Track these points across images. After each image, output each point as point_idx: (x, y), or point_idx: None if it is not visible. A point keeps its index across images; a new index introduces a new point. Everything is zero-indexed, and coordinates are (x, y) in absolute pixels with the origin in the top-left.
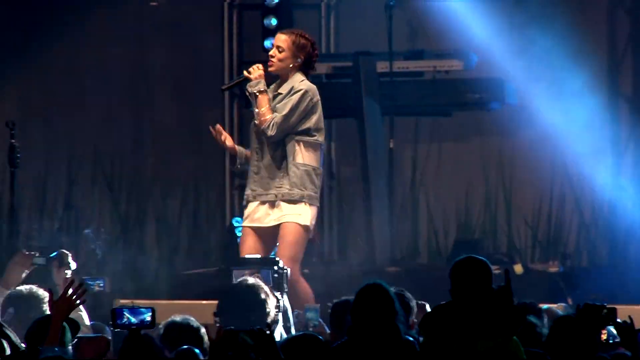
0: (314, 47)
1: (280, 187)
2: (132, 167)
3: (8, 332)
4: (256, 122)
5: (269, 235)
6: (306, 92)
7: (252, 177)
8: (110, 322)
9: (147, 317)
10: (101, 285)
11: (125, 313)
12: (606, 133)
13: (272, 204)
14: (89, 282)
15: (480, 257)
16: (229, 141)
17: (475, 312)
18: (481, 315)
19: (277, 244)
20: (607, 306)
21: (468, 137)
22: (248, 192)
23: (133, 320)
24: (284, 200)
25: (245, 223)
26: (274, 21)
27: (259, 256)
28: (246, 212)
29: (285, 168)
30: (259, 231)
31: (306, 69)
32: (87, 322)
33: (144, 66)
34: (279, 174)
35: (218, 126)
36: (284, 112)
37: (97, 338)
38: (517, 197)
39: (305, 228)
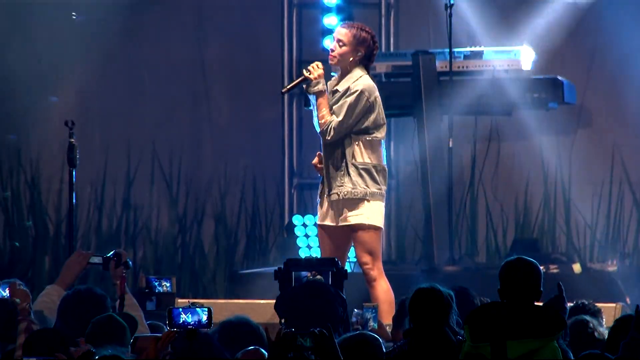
0: (374, 41)
1: (341, 186)
2: (190, 165)
3: None
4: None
5: (339, 235)
6: (362, 92)
7: (323, 174)
8: (167, 322)
9: (204, 317)
10: (168, 286)
11: (182, 313)
12: None
13: (337, 204)
14: (155, 283)
15: (529, 259)
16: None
17: (516, 313)
18: (521, 316)
19: (353, 247)
20: None
21: (527, 136)
22: (320, 188)
23: (190, 320)
24: (346, 200)
25: (318, 221)
26: (333, 20)
27: (317, 257)
28: (318, 209)
29: (346, 168)
30: (329, 230)
31: (367, 62)
32: (144, 321)
33: (202, 64)
34: (340, 174)
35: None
36: (341, 117)
37: (154, 337)
38: (575, 196)
39: (372, 226)
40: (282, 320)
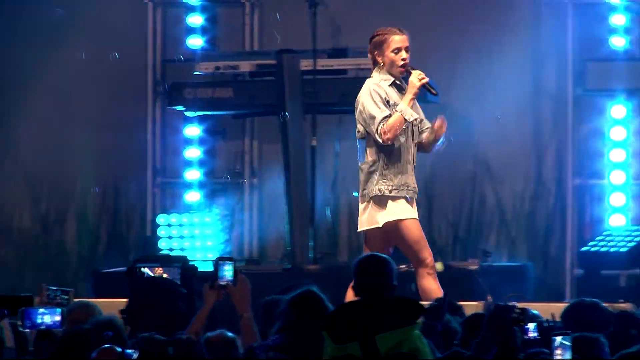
0: None
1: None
2: (53, 164)
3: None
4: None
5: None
6: None
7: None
8: (20, 323)
9: (56, 317)
10: (65, 298)
11: (33, 314)
12: (528, 130)
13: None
14: (57, 293)
15: (381, 254)
16: None
17: (375, 307)
18: (381, 309)
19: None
20: (518, 306)
21: None
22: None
23: (42, 321)
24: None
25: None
26: (198, 19)
27: (167, 253)
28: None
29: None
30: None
31: None
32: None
33: (68, 62)
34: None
35: None
36: None
37: None
38: (438, 194)
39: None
40: (123, 316)
